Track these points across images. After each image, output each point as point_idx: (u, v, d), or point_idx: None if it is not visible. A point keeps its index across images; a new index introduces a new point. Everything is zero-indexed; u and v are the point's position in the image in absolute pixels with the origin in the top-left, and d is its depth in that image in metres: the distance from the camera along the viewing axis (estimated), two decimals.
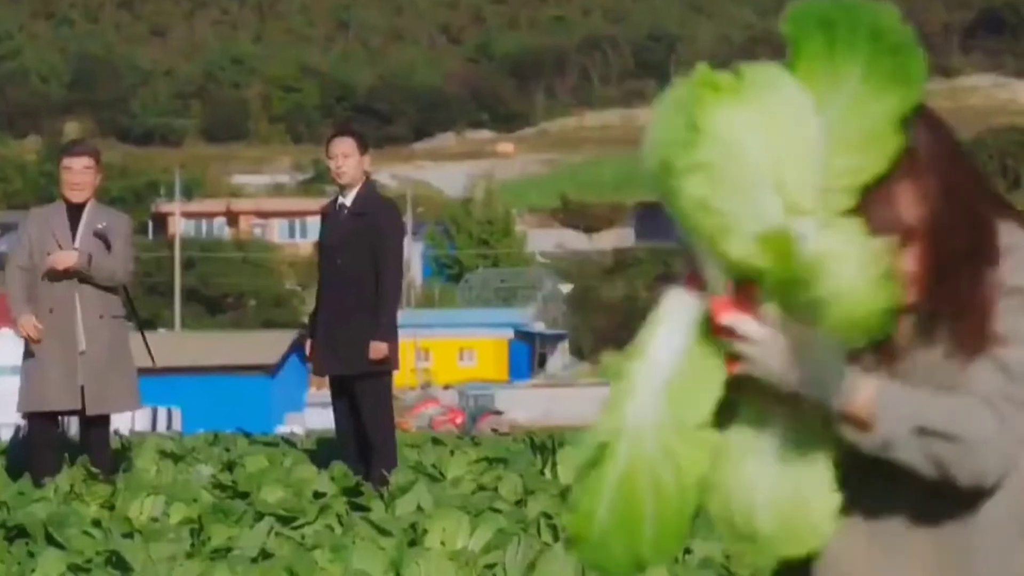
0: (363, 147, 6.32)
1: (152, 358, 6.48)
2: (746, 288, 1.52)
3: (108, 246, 6.14)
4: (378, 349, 6.13)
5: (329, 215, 6.41)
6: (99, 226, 6.17)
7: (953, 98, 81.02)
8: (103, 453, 6.17)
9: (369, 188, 6.35)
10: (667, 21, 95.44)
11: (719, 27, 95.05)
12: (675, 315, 1.55)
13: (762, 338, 1.53)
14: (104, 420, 6.21)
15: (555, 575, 4.02)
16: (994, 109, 77.04)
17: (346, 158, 6.24)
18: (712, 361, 1.54)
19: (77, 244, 6.14)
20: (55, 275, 6.10)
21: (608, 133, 79.23)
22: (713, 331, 1.54)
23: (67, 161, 6.25)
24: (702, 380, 1.54)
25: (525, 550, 4.20)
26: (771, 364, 1.54)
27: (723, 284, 1.53)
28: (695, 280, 1.55)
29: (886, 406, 1.55)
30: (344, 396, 6.24)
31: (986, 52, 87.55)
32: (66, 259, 6.09)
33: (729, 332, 1.53)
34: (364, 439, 6.18)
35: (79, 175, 6.19)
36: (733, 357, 1.54)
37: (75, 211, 6.18)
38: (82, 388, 6.09)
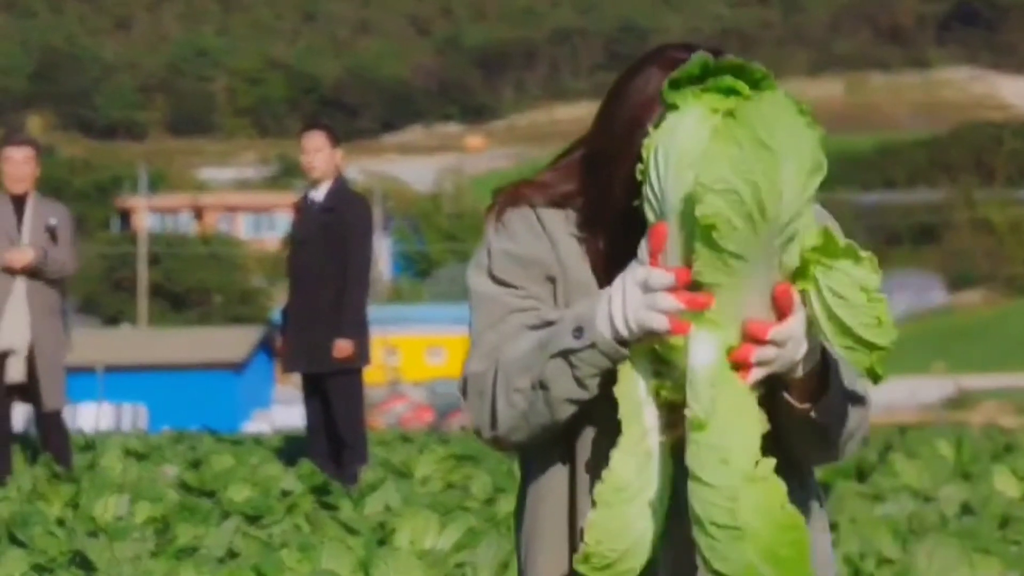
0: (334, 141, 6.28)
1: (71, 347, 6.44)
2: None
3: (55, 239, 6.10)
4: (342, 348, 6.09)
5: (300, 210, 6.37)
6: (51, 221, 6.16)
7: (928, 91, 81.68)
8: (66, 448, 6.14)
9: (340, 183, 6.31)
10: (637, 13, 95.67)
11: (689, 19, 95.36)
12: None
13: (796, 331, 1.52)
14: (59, 415, 6.17)
15: None
16: (969, 102, 77.67)
17: (317, 152, 6.21)
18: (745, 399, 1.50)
19: (27, 238, 6.12)
20: (9, 272, 6.06)
21: (578, 126, 78.61)
22: (742, 359, 1.50)
23: (8, 152, 6.23)
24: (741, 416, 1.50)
25: (496, 550, 4.16)
26: (797, 353, 1.53)
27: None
28: (659, 236, 1.51)
29: (834, 368, 1.57)
30: (316, 393, 6.19)
31: (961, 45, 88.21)
32: (23, 257, 6.04)
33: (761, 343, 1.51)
34: (335, 436, 6.14)
35: (20, 166, 6.17)
36: (749, 365, 1.51)
37: (18, 202, 6.16)
38: (36, 385, 6.05)
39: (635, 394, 1.53)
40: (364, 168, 62.89)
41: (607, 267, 1.62)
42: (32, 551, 4.57)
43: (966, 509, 4.95)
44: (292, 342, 6.24)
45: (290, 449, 6.85)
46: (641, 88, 1.63)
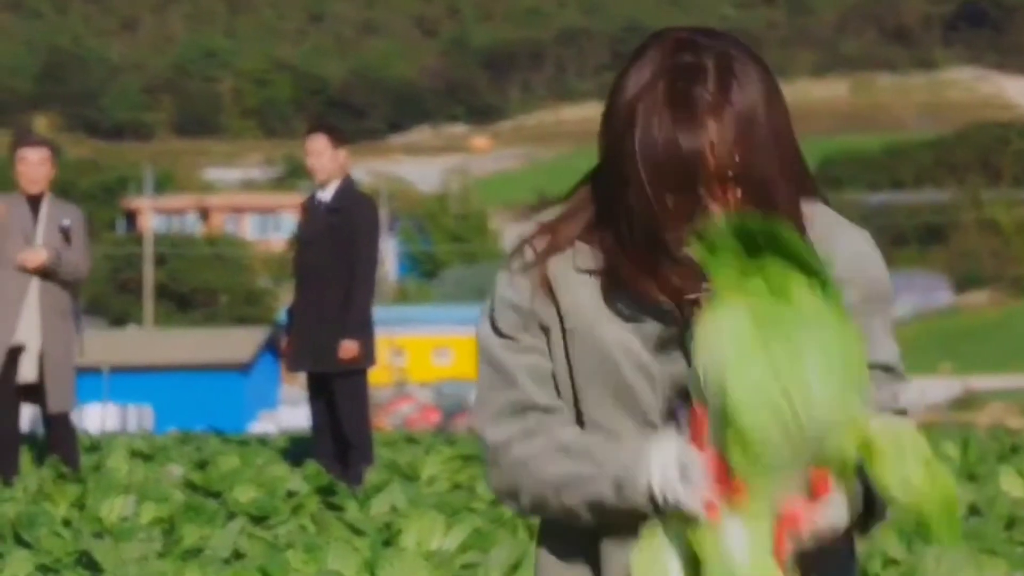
0: (337, 142, 6.27)
1: (83, 350, 6.44)
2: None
3: (68, 241, 6.10)
4: (347, 348, 6.09)
5: (306, 210, 6.37)
6: (64, 222, 6.16)
7: (934, 92, 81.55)
8: (73, 450, 6.14)
9: (347, 183, 6.30)
10: (643, 13, 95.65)
11: (695, 19, 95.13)
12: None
13: (834, 517, 1.53)
14: (67, 417, 6.17)
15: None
16: (976, 103, 77.53)
17: (319, 156, 6.21)
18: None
19: (41, 239, 6.12)
20: (23, 271, 6.06)
21: (585, 126, 79.34)
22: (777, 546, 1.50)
23: (23, 152, 6.23)
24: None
25: (508, 552, 4.16)
26: (835, 531, 1.54)
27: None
28: (699, 421, 1.51)
29: (879, 504, 1.59)
30: (322, 393, 6.19)
31: (967, 45, 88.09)
32: (36, 257, 6.04)
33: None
34: (341, 437, 6.14)
35: (36, 167, 6.18)
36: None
37: (33, 203, 6.15)
38: (44, 386, 6.05)
39: (657, 564, 1.52)
40: (371, 169, 62.94)
41: (619, 279, 1.60)
42: (38, 551, 4.58)
43: (972, 510, 4.93)
44: (298, 342, 6.24)
45: (296, 450, 6.85)
46: (640, 73, 1.61)
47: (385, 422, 24.91)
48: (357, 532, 4.61)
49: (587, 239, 1.64)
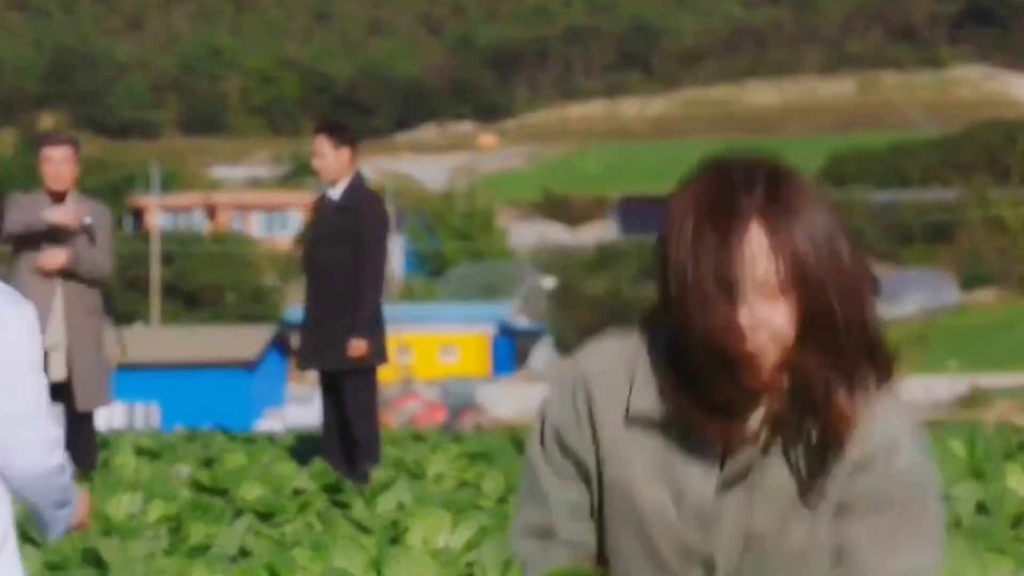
0: (341, 141, 6.27)
1: (125, 350, 6.44)
2: None
3: (92, 239, 6.10)
4: (357, 346, 6.09)
5: (316, 209, 6.38)
6: (87, 220, 6.15)
7: (941, 90, 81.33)
8: (92, 450, 6.15)
9: (356, 181, 6.30)
10: (650, 12, 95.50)
11: (702, 18, 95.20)
12: None
13: None
14: (91, 417, 6.18)
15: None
16: (983, 101, 77.30)
17: (322, 157, 6.23)
18: None
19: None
20: (44, 273, 6.07)
21: (591, 125, 79.24)
22: None
23: (48, 151, 6.21)
24: None
25: (502, 547, 4.16)
26: None
27: None
28: None
29: None
30: (332, 391, 6.19)
31: (974, 43, 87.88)
32: (55, 260, 6.05)
33: None
34: (348, 435, 6.14)
35: (60, 165, 6.16)
36: None
37: (58, 201, 6.15)
38: (71, 384, 6.05)
39: None
40: (377, 167, 62.90)
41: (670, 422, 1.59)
42: (45, 549, 4.58)
43: (979, 508, 4.93)
44: (308, 340, 6.24)
45: (303, 448, 6.85)
46: (680, 237, 1.57)
47: (391, 420, 24.91)
48: (363, 530, 4.61)
49: (638, 381, 1.62)
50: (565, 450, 1.65)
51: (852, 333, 1.54)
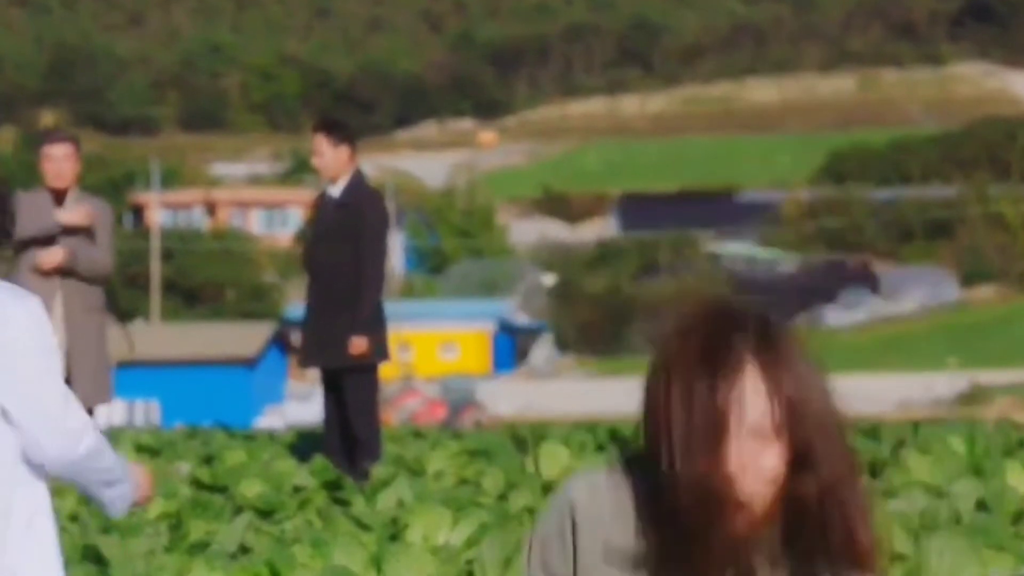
0: (340, 139, 6.26)
1: (132, 347, 6.43)
2: None
3: (92, 237, 6.10)
4: (357, 344, 6.09)
5: (317, 206, 6.38)
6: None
7: (941, 87, 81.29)
8: None
9: (356, 178, 6.29)
10: (650, 9, 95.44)
11: (703, 15, 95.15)
12: None
13: None
14: (91, 414, 6.18)
15: None
16: (983, 98, 77.24)
17: (320, 156, 6.22)
18: None
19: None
20: (42, 271, 6.07)
21: (591, 122, 79.19)
22: None
23: (48, 149, 6.21)
24: None
25: (501, 544, 4.16)
26: None
27: None
28: None
29: None
30: (333, 389, 6.19)
31: (974, 41, 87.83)
32: (52, 258, 6.05)
33: None
34: (349, 432, 6.14)
35: (61, 163, 6.16)
36: None
37: (58, 199, 6.15)
38: (72, 382, 6.05)
39: None
40: (377, 164, 62.86)
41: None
42: None
43: (979, 505, 4.92)
44: (309, 338, 6.24)
45: (303, 445, 6.85)
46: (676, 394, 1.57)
47: (392, 417, 24.91)
48: (363, 527, 4.61)
49: (621, 519, 1.63)
50: (548, 571, 1.68)
51: (838, 465, 1.58)
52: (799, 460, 1.56)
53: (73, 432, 2.32)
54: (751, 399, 1.55)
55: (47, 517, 2.35)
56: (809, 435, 1.55)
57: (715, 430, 1.55)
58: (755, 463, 1.55)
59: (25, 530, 2.33)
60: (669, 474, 1.57)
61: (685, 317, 1.61)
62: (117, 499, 2.45)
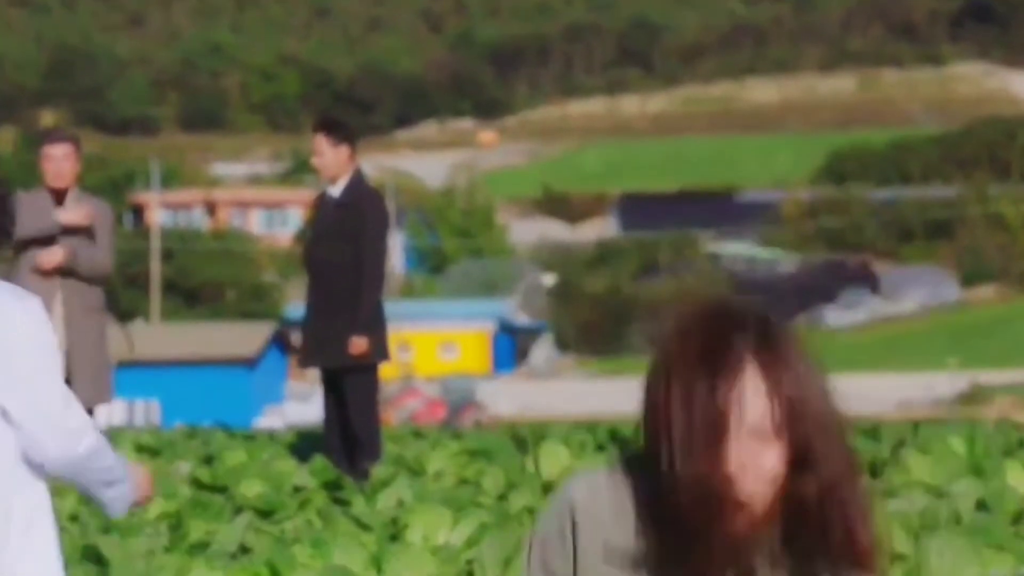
0: (339, 139, 6.26)
1: (132, 347, 6.43)
2: None
3: (92, 237, 6.10)
4: (357, 344, 6.09)
5: (316, 206, 6.38)
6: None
7: (941, 87, 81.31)
8: None
9: (356, 178, 6.29)
10: (650, 9, 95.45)
11: (703, 15, 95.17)
12: None
13: None
14: (91, 414, 6.18)
15: None
16: (983, 98, 77.27)
17: (320, 156, 6.22)
18: None
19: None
20: (42, 272, 6.07)
21: (591, 122, 79.19)
22: None
23: (48, 149, 6.21)
24: None
25: (501, 544, 4.16)
26: None
27: None
28: None
29: None
30: (333, 389, 6.19)
31: (974, 40, 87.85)
32: (51, 259, 6.04)
33: None
34: (349, 432, 6.14)
35: (60, 163, 6.16)
36: None
37: (58, 199, 6.15)
38: (72, 382, 6.06)
39: None
40: (377, 163, 62.87)
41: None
42: None
43: (979, 505, 4.92)
44: (309, 337, 6.24)
45: (302, 445, 6.85)
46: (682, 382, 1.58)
47: (392, 417, 24.92)
48: (363, 527, 4.61)
49: (621, 520, 1.63)
50: (548, 571, 1.68)
51: (838, 465, 1.58)
52: (799, 460, 1.56)
53: (73, 432, 2.33)
54: (751, 399, 1.55)
55: (47, 517, 2.35)
56: (809, 435, 1.56)
57: (715, 430, 1.55)
58: (755, 463, 1.55)
59: (25, 530, 2.33)
60: (669, 474, 1.57)
61: (685, 317, 1.61)
62: (117, 499, 2.45)
